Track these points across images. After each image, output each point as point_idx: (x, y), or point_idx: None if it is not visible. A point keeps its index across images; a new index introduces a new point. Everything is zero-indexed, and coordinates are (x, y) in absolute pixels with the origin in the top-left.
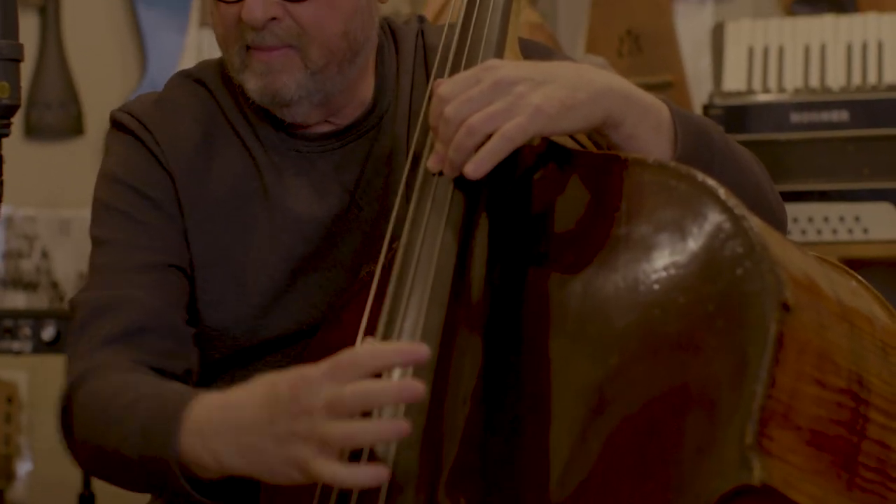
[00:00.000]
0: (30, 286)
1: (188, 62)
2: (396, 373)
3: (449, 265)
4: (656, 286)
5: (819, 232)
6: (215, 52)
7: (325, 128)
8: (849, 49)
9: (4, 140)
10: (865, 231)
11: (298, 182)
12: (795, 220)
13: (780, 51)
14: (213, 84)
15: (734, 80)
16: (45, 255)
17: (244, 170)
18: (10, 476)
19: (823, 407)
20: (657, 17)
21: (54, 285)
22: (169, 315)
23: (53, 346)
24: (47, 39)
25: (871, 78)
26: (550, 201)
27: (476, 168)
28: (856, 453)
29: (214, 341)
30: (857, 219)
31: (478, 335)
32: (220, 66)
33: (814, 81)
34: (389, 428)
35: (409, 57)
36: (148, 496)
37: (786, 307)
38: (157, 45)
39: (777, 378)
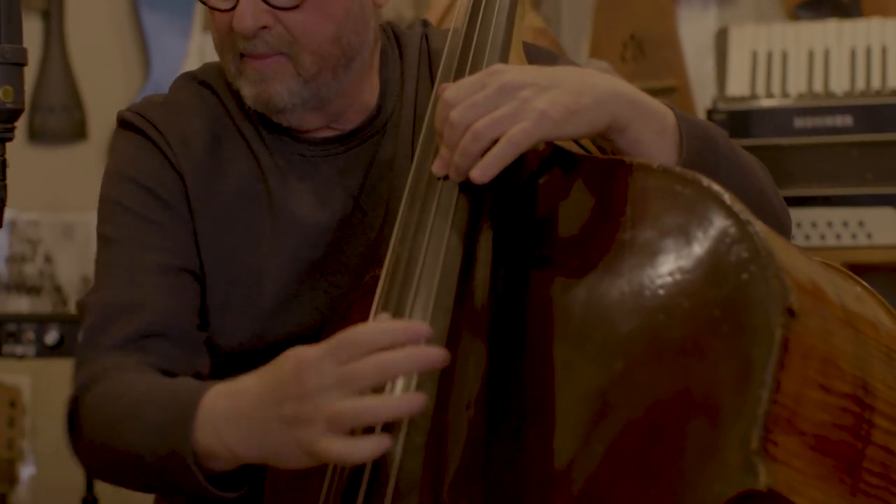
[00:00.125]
0: (33, 290)
1: (191, 66)
2: (399, 384)
3: (454, 269)
4: (661, 291)
5: (822, 237)
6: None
7: (329, 132)
8: (852, 54)
9: (8, 144)
10: (869, 236)
11: (302, 186)
12: (799, 224)
13: (784, 56)
14: (218, 86)
15: (738, 85)
16: (48, 259)
17: (250, 173)
18: (13, 480)
19: (828, 412)
20: (661, 21)
21: (57, 289)
22: (180, 319)
23: (57, 351)
24: (51, 44)
25: (875, 83)
26: (555, 206)
27: (482, 173)
28: (860, 458)
29: (220, 346)
30: (860, 224)
31: (481, 339)
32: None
33: (817, 86)
34: (404, 401)
35: (414, 62)
36: (150, 498)
37: (791, 312)
38: (160, 48)
39: (782, 383)
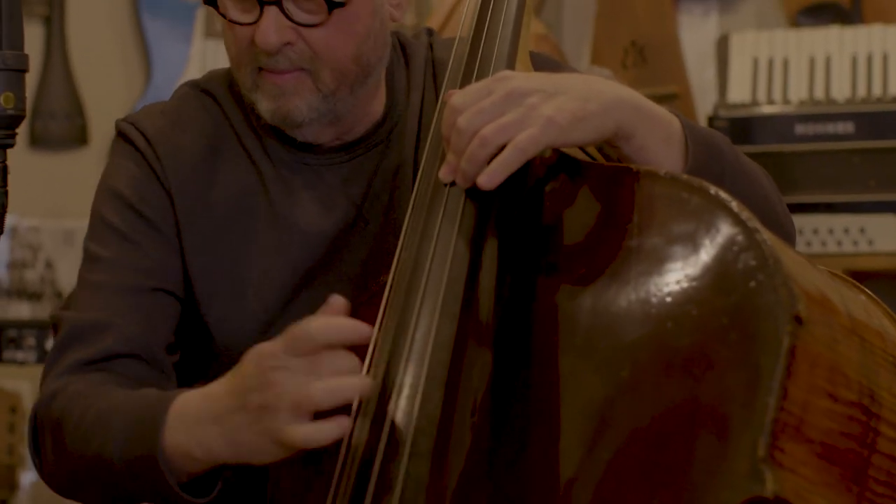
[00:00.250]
0: (34, 296)
1: (193, 72)
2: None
3: (460, 276)
4: (669, 299)
5: (824, 244)
6: (220, 63)
7: (334, 142)
8: (854, 61)
9: (9, 150)
10: (871, 243)
11: (306, 195)
12: (800, 231)
13: (785, 62)
14: (221, 95)
15: (739, 92)
16: (49, 265)
17: (250, 183)
18: (13, 486)
19: (835, 420)
20: (662, 28)
21: (58, 295)
22: (149, 342)
23: None
24: (52, 50)
25: (877, 90)
26: (561, 213)
27: (489, 179)
28: (866, 467)
29: (220, 356)
30: (862, 230)
31: (487, 346)
32: (229, 77)
33: (819, 93)
34: (361, 381)
35: (420, 72)
36: None
37: (798, 320)
38: (161, 55)
39: (789, 391)
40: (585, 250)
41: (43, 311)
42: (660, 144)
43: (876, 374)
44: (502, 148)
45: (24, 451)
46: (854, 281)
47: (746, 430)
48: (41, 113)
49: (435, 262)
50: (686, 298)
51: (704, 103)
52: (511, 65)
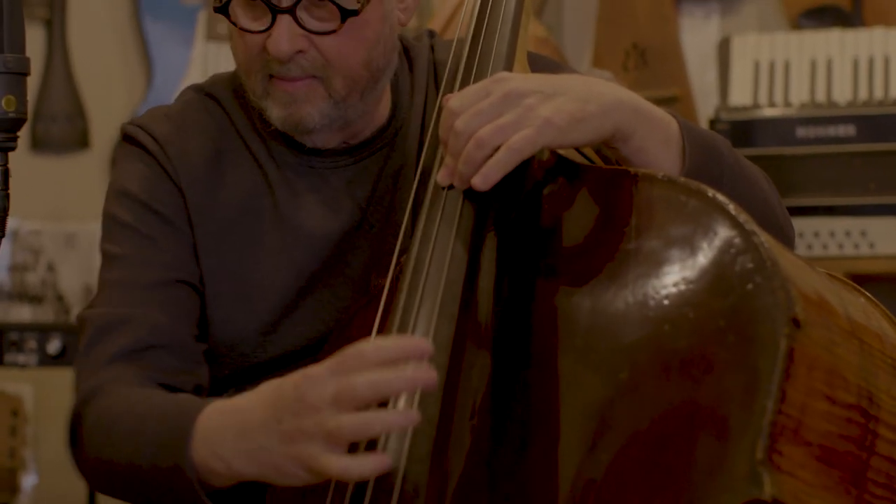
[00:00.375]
0: (35, 299)
1: (194, 75)
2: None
3: (459, 278)
4: (666, 301)
5: (825, 247)
6: (221, 66)
7: (340, 145)
8: (855, 63)
9: (10, 153)
10: (871, 246)
11: (311, 198)
12: (801, 234)
13: (787, 65)
14: (224, 99)
15: (740, 95)
16: (50, 268)
17: (255, 186)
18: (14, 489)
19: (833, 423)
20: (663, 31)
21: (60, 298)
22: (177, 332)
23: (59, 360)
24: (53, 52)
25: (878, 93)
26: (559, 216)
27: (484, 179)
28: (865, 469)
29: (223, 357)
30: (863, 233)
31: (486, 349)
32: (233, 81)
33: (820, 96)
34: (401, 416)
35: (423, 74)
36: None
37: (796, 323)
38: (163, 58)
39: (787, 393)
40: (584, 253)
41: (44, 314)
42: (658, 146)
43: (875, 376)
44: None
45: (26, 454)
46: (853, 283)
47: (745, 432)
48: (42, 116)
49: (433, 265)
50: (684, 301)
51: (706, 106)
52: (509, 66)
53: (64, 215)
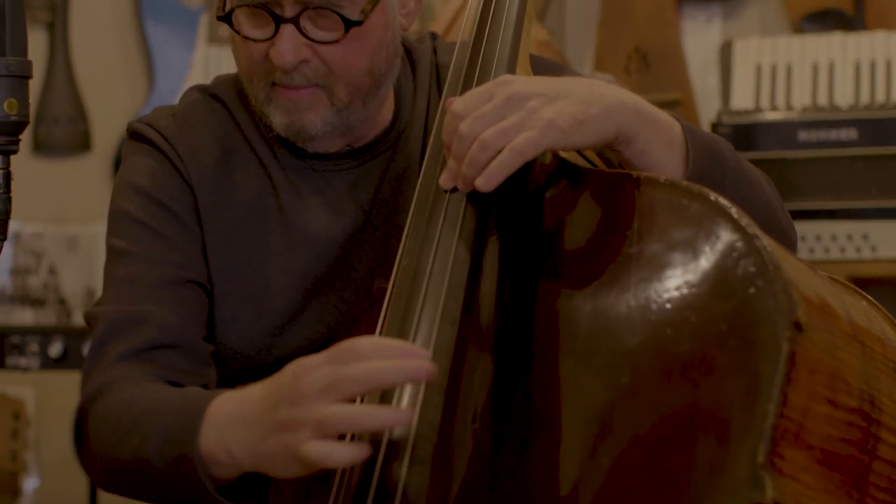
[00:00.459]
0: (37, 302)
1: (196, 78)
2: (406, 397)
3: (461, 281)
4: (668, 305)
5: (827, 250)
6: (223, 68)
7: (343, 148)
8: (857, 67)
9: (13, 156)
10: (873, 249)
11: (315, 201)
12: (803, 238)
13: (789, 69)
14: (229, 101)
15: (742, 99)
16: (52, 271)
17: (261, 187)
18: (16, 492)
19: (835, 426)
20: (665, 34)
21: (61, 302)
22: (186, 332)
23: (61, 363)
24: (55, 56)
25: (880, 96)
26: (562, 219)
27: (486, 181)
28: (867, 473)
29: (228, 359)
30: (864, 237)
31: (488, 352)
32: (236, 83)
33: (822, 99)
34: (392, 414)
35: (425, 77)
36: None
37: (798, 326)
38: (164, 61)
39: (789, 397)
40: (586, 256)
41: (46, 317)
42: (661, 149)
43: (877, 379)
44: None
45: (27, 457)
46: (855, 287)
47: (746, 436)
48: (44, 119)
49: (435, 268)
50: (685, 304)
51: (708, 110)
52: (512, 69)
53: (66, 218)
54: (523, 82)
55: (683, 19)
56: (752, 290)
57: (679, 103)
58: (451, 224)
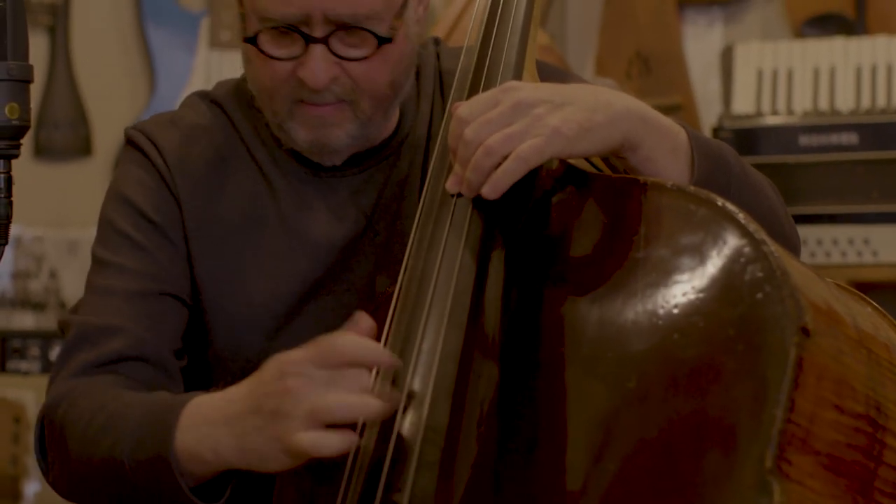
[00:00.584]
0: (38, 306)
1: (197, 82)
2: (413, 402)
3: (467, 287)
4: (675, 310)
5: (828, 254)
6: (224, 73)
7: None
8: (858, 72)
9: (14, 160)
10: (875, 254)
11: (317, 206)
12: (804, 242)
13: (790, 73)
14: (230, 107)
15: (743, 103)
16: (53, 275)
17: (258, 193)
18: (17, 496)
19: (842, 432)
20: (666, 39)
21: (62, 305)
22: (155, 346)
23: None
24: (56, 60)
25: (881, 101)
26: (568, 224)
27: (492, 188)
28: (872, 479)
29: (228, 362)
30: (866, 241)
31: (494, 357)
32: (238, 89)
33: (823, 104)
34: (380, 401)
35: (429, 82)
36: None
37: (805, 332)
38: (166, 65)
39: (797, 403)
40: (592, 261)
41: (47, 321)
42: (666, 156)
43: (883, 385)
44: None
45: (29, 461)
46: (861, 294)
47: (753, 441)
48: (45, 123)
49: (442, 273)
50: (693, 310)
51: (709, 114)
52: (518, 75)
53: (67, 222)
54: (530, 89)
55: (685, 23)
56: (759, 295)
57: (680, 108)
58: (458, 229)
